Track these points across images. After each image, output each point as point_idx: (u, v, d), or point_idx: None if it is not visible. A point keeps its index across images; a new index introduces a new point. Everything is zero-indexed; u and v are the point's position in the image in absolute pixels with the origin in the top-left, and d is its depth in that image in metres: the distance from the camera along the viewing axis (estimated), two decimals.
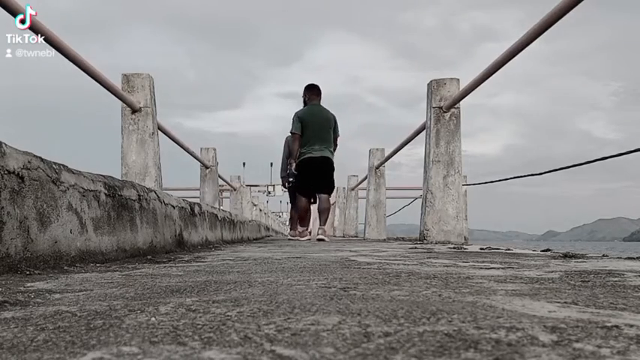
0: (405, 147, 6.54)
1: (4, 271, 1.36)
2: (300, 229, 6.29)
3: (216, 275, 1.43)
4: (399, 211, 11.94)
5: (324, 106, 6.27)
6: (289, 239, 6.46)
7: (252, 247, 3.98)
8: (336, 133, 6.26)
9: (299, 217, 6.36)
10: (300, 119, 5.99)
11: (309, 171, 6.03)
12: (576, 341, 0.58)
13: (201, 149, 8.19)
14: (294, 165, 6.11)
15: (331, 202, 7.22)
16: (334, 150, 6.31)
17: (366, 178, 9.06)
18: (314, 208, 6.56)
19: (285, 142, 6.77)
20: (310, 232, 6.58)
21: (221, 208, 7.73)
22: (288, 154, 6.59)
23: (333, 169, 6.22)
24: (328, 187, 6.27)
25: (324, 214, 6.22)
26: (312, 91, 6.21)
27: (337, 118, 6.24)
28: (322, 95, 6.28)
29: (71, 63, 3.14)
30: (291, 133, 6.12)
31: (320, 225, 6.16)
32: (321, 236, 5.93)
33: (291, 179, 6.24)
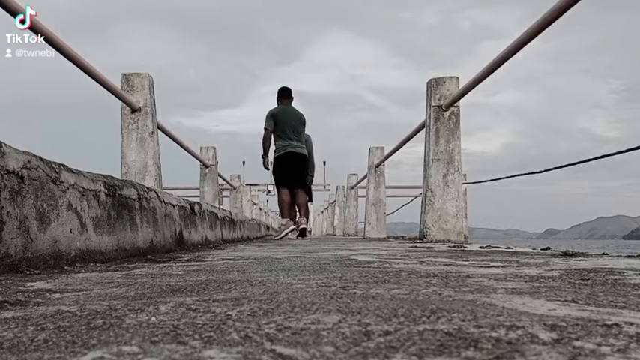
0: (405, 145, 6.54)
1: (4, 270, 1.36)
2: (283, 221, 6.65)
3: (217, 274, 1.43)
4: (399, 209, 11.95)
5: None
6: (279, 237, 6.50)
7: (252, 246, 3.98)
8: (307, 146, 6.89)
9: (281, 212, 6.82)
10: (273, 116, 6.41)
11: (289, 165, 6.46)
12: (576, 339, 0.58)
13: (200, 148, 8.17)
14: (266, 160, 6.48)
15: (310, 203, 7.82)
16: (312, 175, 7.18)
17: (365, 176, 9.05)
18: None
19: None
20: (297, 224, 6.98)
21: (221, 207, 7.73)
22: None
23: (308, 167, 6.84)
24: (304, 183, 6.84)
25: (302, 207, 6.77)
26: (282, 94, 6.64)
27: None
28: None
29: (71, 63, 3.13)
30: (264, 129, 6.44)
31: (301, 216, 6.68)
32: (303, 226, 6.47)
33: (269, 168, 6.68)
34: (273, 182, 7.09)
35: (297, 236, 6.50)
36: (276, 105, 6.59)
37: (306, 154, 6.65)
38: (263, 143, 6.41)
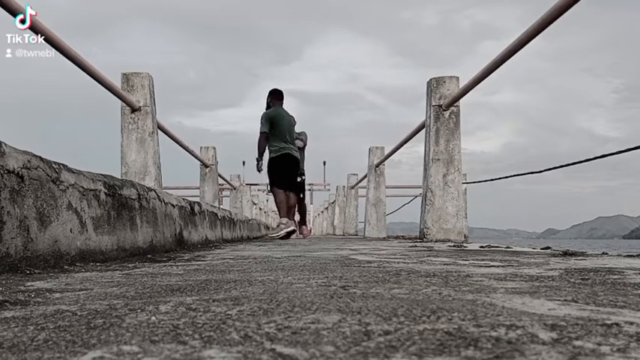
0: (405, 145, 6.54)
1: (4, 270, 1.36)
2: (283, 220, 6.60)
3: (217, 274, 1.43)
4: (398, 209, 11.95)
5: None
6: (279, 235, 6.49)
7: (252, 246, 3.98)
8: (301, 136, 7.32)
9: (280, 211, 6.77)
10: (269, 119, 6.38)
11: (285, 166, 6.50)
12: (576, 339, 0.58)
13: (200, 148, 8.18)
14: (260, 163, 6.49)
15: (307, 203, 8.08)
16: (305, 145, 7.47)
17: (365, 176, 9.06)
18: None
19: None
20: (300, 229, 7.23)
21: (221, 206, 7.73)
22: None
23: (299, 170, 6.92)
24: (297, 186, 6.93)
25: (294, 207, 6.92)
26: (274, 96, 6.61)
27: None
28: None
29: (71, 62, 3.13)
30: (261, 132, 6.40)
31: (299, 217, 7.11)
32: (306, 232, 6.96)
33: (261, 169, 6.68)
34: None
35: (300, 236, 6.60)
36: (266, 106, 6.59)
37: (299, 158, 6.72)
38: (259, 146, 6.40)
